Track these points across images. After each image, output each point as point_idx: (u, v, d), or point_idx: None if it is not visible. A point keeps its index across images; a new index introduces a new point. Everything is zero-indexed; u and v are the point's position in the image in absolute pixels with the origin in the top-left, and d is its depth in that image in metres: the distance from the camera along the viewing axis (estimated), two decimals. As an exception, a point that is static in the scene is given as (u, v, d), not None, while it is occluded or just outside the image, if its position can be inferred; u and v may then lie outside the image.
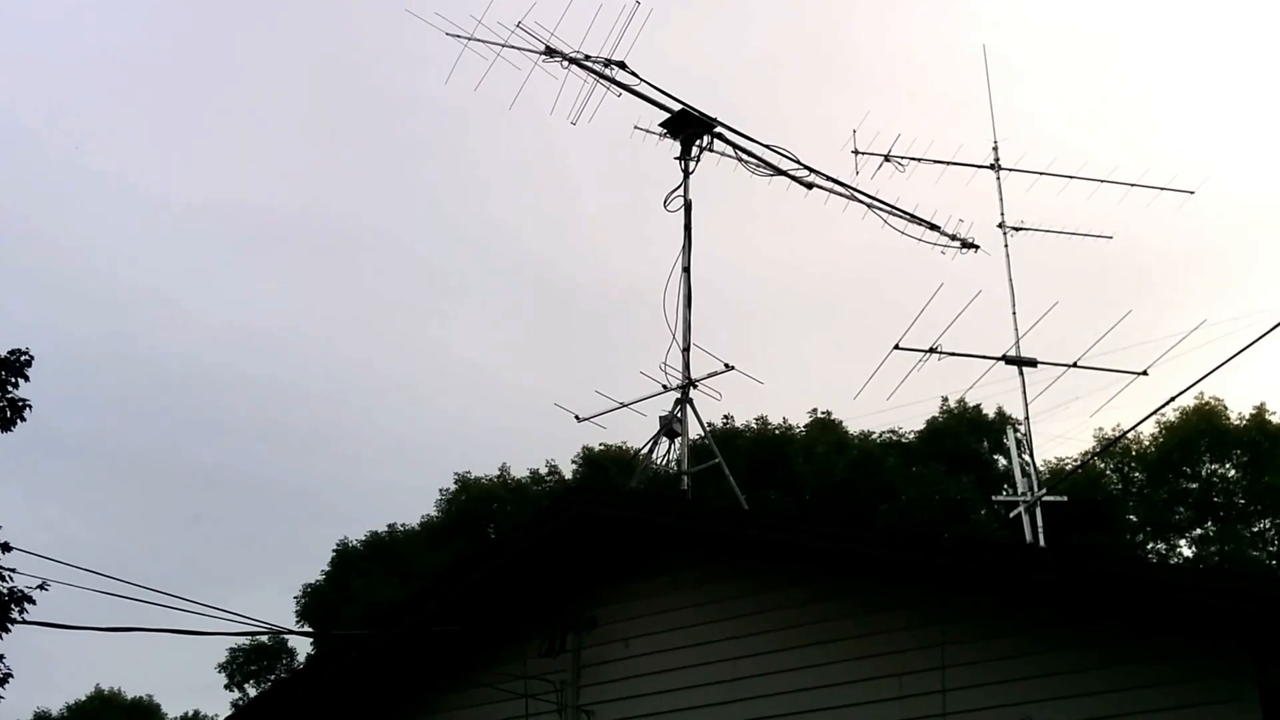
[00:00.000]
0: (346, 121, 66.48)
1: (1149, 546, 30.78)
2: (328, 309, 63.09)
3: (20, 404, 13.58)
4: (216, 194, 65.40)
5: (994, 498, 22.83)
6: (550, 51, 10.90)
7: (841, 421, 32.06)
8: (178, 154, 66.27)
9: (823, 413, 32.72)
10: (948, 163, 13.26)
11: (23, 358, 13.62)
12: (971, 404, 31.17)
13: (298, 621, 33.76)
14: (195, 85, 66.80)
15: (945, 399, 31.27)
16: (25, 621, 12.78)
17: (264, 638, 35.53)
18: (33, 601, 12.79)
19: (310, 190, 65.70)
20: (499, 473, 34.40)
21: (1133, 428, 31.56)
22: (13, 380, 13.58)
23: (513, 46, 10.85)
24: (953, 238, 12.46)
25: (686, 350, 10.40)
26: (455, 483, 34.29)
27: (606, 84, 10.95)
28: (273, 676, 36.51)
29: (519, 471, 34.50)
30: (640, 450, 10.50)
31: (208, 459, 63.00)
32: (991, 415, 30.94)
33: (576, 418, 10.67)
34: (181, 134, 66.26)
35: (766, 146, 11.40)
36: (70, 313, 63.44)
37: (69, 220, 67.89)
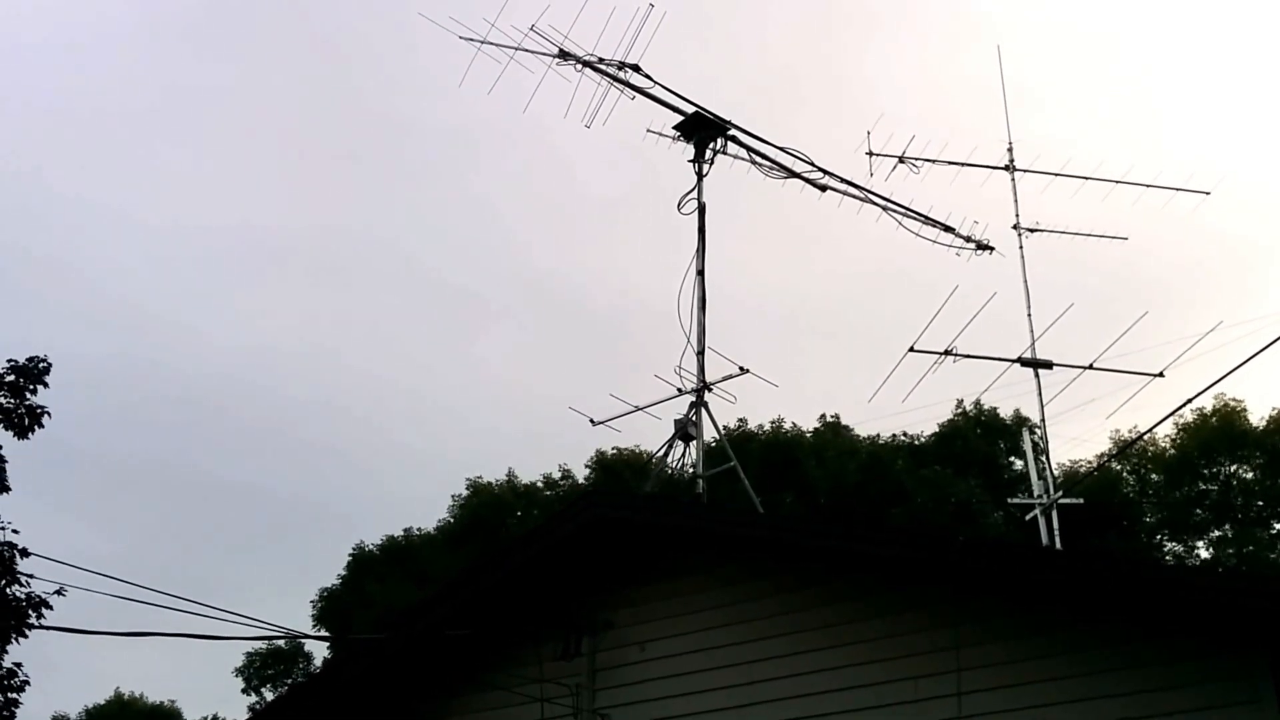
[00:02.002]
0: (352, 140, 66.63)
1: (1166, 548, 30.64)
2: (340, 325, 63.16)
3: (39, 411, 13.61)
4: (226, 216, 65.58)
5: (1010, 500, 22.74)
6: (564, 54, 10.91)
7: (850, 426, 32.02)
8: (188, 178, 66.39)
9: (831, 416, 32.69)
10: (962, 164, 13.22)
11: (41, 365, 13.65)
12: (987, 406, 31.10)
13: (314, 626, 33.85)
14: (201, 110, 67.00)
15: (960, 401, 31.21)
16: (43, 626, 12.83)
17: (280, 642, 35.63)
18: (50, 607, 12.83)
19: (317, 209, 65.78)
20: (507, 477, 34.45)
21: (1149, 430, 31.44)
22: (31, 387, 13.61)
23: (526, 50, 10.87)
24: (967, 239, 12.44)
25: (701, 353, 10.40)
26: (467, 488, 34.37)
27: (620, 87, 10.96)
28: (289, 680, 36.60)
29: (532, 476, 34.55)
30: (655, 454, 10.51)
31: (224, 473, 63.15)
32: (1008, 418, 30.86)
33: (591, 421, 10.68)
34: (191, 158, 66.43)
35: (780, 149, 11.41)
36: (86, 333, 63.54)
37: (81, 246, 68.20)
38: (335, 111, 66.34)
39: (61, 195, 67.96)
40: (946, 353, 11.64)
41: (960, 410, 31.40)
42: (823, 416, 32.77)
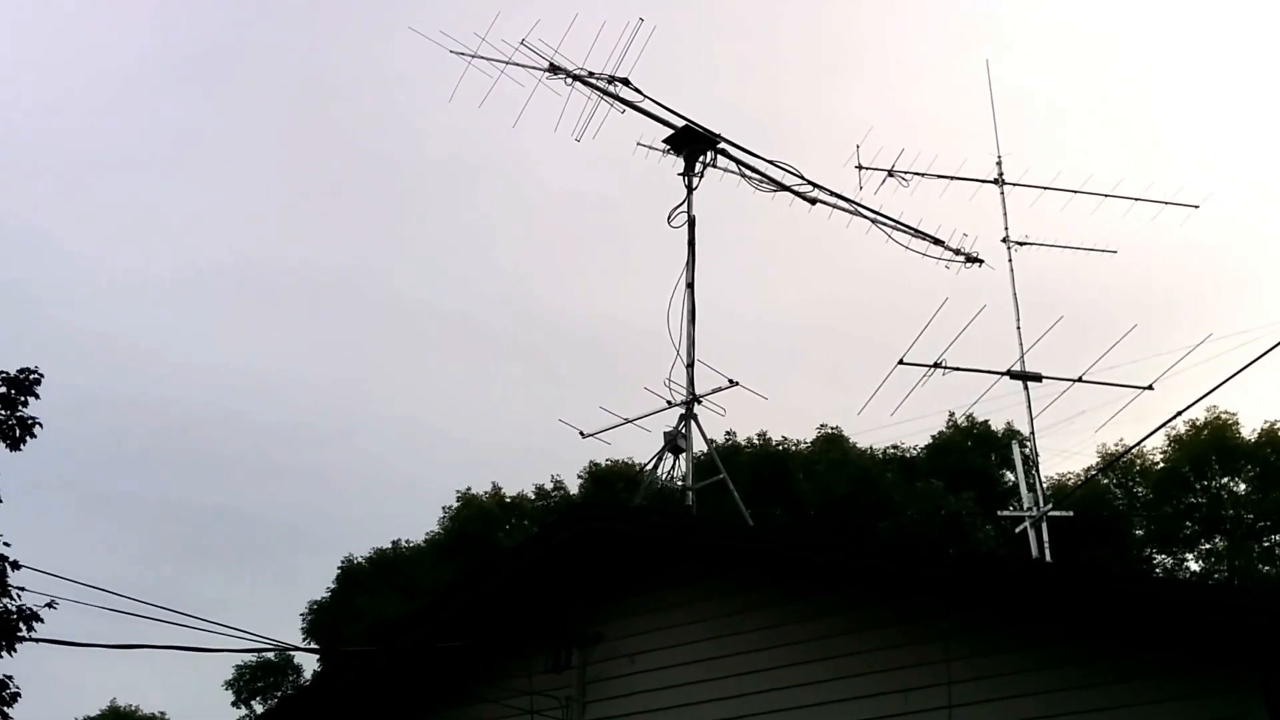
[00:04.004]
0: (337, 170, 66.76)
1: (1155, 561, 30.67)
2: (327, 351, 63.02)
3: (30, 422, 13.60)
4: (210, 247, 65.51)
5: (1000, 513, 22.78)
6: (554, 68, 10.96)
7: (850, 437, 32.01)
8: (172, 210, 66.29)
9: (831, 428, 32.66)
10: (951, 177, 13.30)
11: (32, 376, 13.64)
12: (979, 419, 31.11)
13: (304, 638, 33.75)
14: (182, 146, 66.95)
15: (951, 414, 31.20)
16: (33, 639, 12.76)
17: (270, 655, 35.49)
18: (40, 620, 12.79)
19: (300, 238, 65.74)
20: (492, 490, 34.42)
21: (1138, 443, 31.48)
22: (22, 399, 13.60)
23: (516, 64, 10.93)
24: (957, 253, 12.49)
25: (690, 366, 10.43)
26: (458, 499, 34.33)
27: (610, 101, 11.01)
28: (279, 693, 36.44)
29: (526, 489, 34.52)
30: (645, 465, 10.53)
31: (210, 497, 62.97)
32: (999, 431, 30.86)
33: (580, 433, 10.71)
34: (173, 191, 66.36)
35: (770, 162, 11.46)
36: (69, 364, 63.15)
37: (64, 280, 68.07)
38: (320, 144, 66.43)
39: (42, 231, 67.83)
40: (936, 365, 11.67)
41: (952, 423, 31.44)
42: (823, 426, 32.79)
